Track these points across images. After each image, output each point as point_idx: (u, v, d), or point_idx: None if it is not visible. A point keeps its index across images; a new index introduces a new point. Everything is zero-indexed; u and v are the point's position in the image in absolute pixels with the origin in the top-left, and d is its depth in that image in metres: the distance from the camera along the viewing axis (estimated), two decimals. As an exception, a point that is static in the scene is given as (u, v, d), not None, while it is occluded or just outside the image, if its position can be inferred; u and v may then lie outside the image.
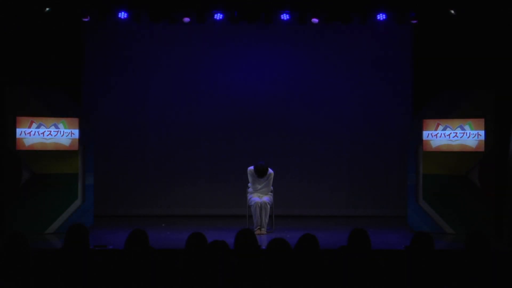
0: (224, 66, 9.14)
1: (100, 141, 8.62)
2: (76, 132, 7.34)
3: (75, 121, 7.37)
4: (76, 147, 7.36)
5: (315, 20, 8.12)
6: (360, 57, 9.10)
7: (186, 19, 8.11)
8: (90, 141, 7.57)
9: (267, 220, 7.35)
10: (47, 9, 7.78)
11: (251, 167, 7.51)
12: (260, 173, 7.42)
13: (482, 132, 7.21)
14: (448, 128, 7.33)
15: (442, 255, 5.28)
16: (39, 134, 7.21)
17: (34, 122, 7.22)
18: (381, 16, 8.05)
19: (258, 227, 7.29)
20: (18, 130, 7.17)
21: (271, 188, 7.62)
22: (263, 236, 7.12)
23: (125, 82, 9.09)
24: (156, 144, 9.13)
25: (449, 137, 7.33)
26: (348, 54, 9.12)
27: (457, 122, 7.30)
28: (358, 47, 9.09)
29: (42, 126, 7.23)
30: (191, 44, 9.12)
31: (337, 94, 9.15)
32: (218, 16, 8.10)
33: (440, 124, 7.36)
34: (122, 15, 8.01)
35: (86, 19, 8.06)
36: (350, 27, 8.86)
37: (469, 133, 7.25)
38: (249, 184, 7.63)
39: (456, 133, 7.29)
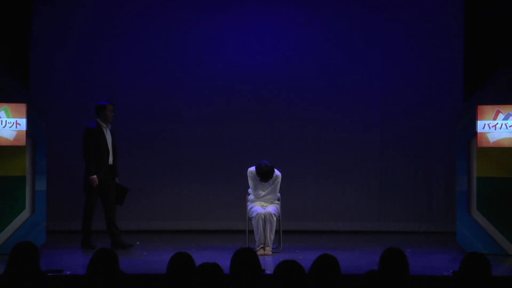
0: (215, 38, 9.16)
1: (54, 134, 8.63)
2: (23, 122, 7.34)
3: (22, 107, 7.36)
4: (23, 141, 7.36)
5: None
6: (393, 23, 9.10)
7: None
8: (42, 134, 7.58)
9: (273, 237, 7.36)
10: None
11: (252, 168, 7.53)
12: (264, 175, 7.44)
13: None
14: (511, 117, 7.33)
15: (501, 283, 5.29)
16: (-26, 125, 7.23)
17: (-33, 108, 7.24)
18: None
19: (262, 245, 7.31)
20: None
21: (278, 195, 7.64)
22: (267, 258, 7.14)
23: (87, 58, 9.11)
24: (127, 139, 9.14)
25: (512, 129, 7.34)
26: (378, 20, 9.12)
27: (524, 109, 7.31)
28: (390, 10, 9.10)
29: (-22, 115, 7.25)
30: (171, 10, 9.13)
31: (365, 75, 9.16)
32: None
33: (501, 112, 7.35)
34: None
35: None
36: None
37: (539, 123, 7.27)
38: (250, 190, 7.65)
39: (522, 123, 7.30)
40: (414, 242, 8.17)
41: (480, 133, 7.40)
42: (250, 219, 7.49)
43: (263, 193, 7.54)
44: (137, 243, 7.98)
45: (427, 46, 9.11)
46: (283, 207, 7.65)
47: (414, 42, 9.12)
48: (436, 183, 9.12)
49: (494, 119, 7.37)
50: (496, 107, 7.37)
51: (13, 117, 7.31)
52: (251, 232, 7.43)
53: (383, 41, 9.13)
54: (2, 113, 7.28)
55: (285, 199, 7.88)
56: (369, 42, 9.15)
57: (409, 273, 4.06)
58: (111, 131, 7.67)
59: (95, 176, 7.47)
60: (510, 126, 7.31)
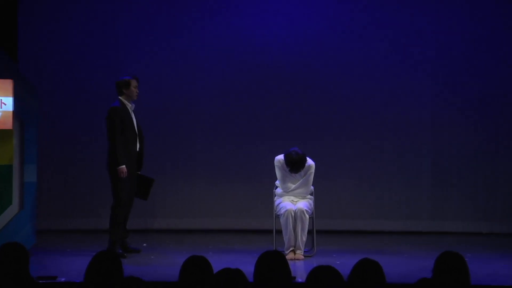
0: (227, 16, 9.23)
1: (45, 117, 8.69)
2: (9, 102, 7.39)
3: (8, 84, 7.41)
4: (9, 124, 7.41)
5: None
6: (456, 16, 9.17)
7: None
8: (32, 117, 7.62)
9: (304, 238, 7.38)
10: None
11: (280, 156, 7.52)
12: (294, 165, 7.43)
13: None
14: None
15: None
16: (-48, 105, 7.31)
17: None
18: None
19: (292, 248, 7.34)
20: None
21: (311, 188, 7.63)
22: (299, 262, 7.17)
23: (85, 31, 9.17)
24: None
25: None
26: (438, 11, 9.20)
27: None
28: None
29: (-45, 92, 7.32)
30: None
31: (417, 68, 9.20)
32: None
33: None
34: None
35: None
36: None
37: None
38: (277, 183, 7.65)
39: None
40: (475, 245, 8.14)
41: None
42: (277, 216, 7.50)
43: (293, 186, 7.54)
44: (144, 244, 8.03)
45: (490, 40, 9.14)
46: (316, 202, 7.64)
47: (477, 34, 9.14)
48: (500, 178, 9.12)
49: None
50: None
51: (-2, 95, 7.38)
52: (279, 232, 7.45)
53: (442, 33, 9.17)
54: (-15, 91, 7.35)
55: (319, 193, 7.87)
56: (422, 32, 9.16)
57: (470, 283, 4.03)
58: (134, 111, 7.48)
59: (124, 166, 7.27)
60: None
